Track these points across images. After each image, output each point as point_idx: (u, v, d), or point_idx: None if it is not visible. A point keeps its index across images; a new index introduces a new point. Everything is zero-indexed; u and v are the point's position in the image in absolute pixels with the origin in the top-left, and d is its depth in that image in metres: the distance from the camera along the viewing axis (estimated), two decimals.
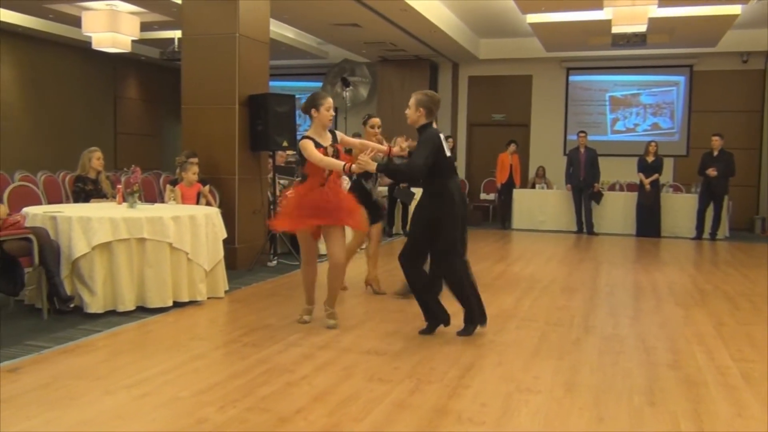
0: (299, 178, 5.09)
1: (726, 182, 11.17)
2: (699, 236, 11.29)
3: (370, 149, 4.63)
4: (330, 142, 4.76)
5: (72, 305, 4.98)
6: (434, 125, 4.78)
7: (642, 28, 9.33)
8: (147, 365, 3.89)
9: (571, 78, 14.41)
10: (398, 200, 10.85)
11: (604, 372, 3.95)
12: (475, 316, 4.70)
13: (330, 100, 4.80)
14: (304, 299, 5.07)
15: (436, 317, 4.75)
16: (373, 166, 4.47)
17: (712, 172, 11.02)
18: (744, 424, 3.18)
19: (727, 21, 10.57)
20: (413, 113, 4.65)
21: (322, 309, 4.96)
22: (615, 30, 9.60)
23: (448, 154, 4.76)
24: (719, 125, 12.89)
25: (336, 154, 4.74)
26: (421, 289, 4.73)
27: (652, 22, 9.45)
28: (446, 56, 13.99)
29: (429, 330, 4.73)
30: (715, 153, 11.22)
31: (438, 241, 4.59)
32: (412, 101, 4.68)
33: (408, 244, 4.75)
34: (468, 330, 4.68)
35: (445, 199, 4.60)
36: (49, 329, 4.62)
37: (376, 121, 6.05)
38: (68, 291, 4.99)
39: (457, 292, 4.68)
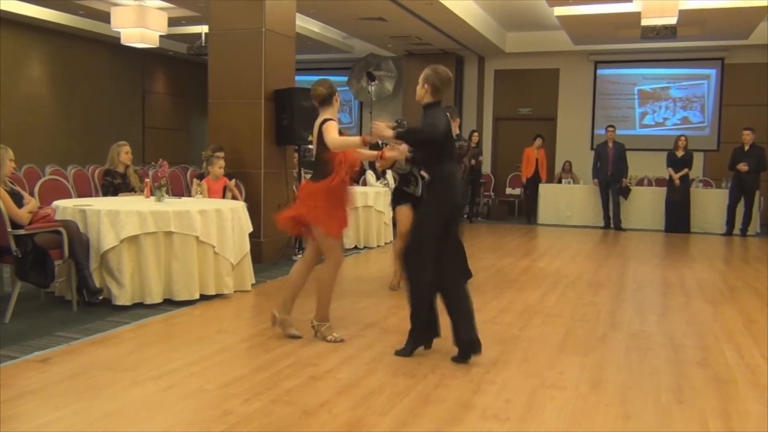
0: (311, 174, 4.56)
1: (757, 177, 10.96)
2: (729, 232, 11.09)
3: (381, 122, 4.18)
4: None
5: (101, 297, 5.06)
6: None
7: (672, 20, 9.19)
8: (173, 357, 3.93)
9: (599, 71, 14.23)
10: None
11: (631, 369, 3.91)
12: (418, 335, 4.11)
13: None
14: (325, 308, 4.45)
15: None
16: (389, 133, 4.02)
17: (743, 167, 10.82)
18: None
19: (760, 12, 10.35)
20: (420, 89, 4.15)
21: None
22: (644, 22, 9.46)
23: (455, 139, 4.46)
24: (751, 119, 12.61)
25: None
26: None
27: (683, 14, 9.29)
28: (472, 50, 13.91)
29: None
30: (747, 147, 11.00)
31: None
32: (420, 77, 4.20)
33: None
34: (405, 350, 4.08)
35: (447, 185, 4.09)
36: (78, 321, 4.70)
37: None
38: (97, 283, 5.06)
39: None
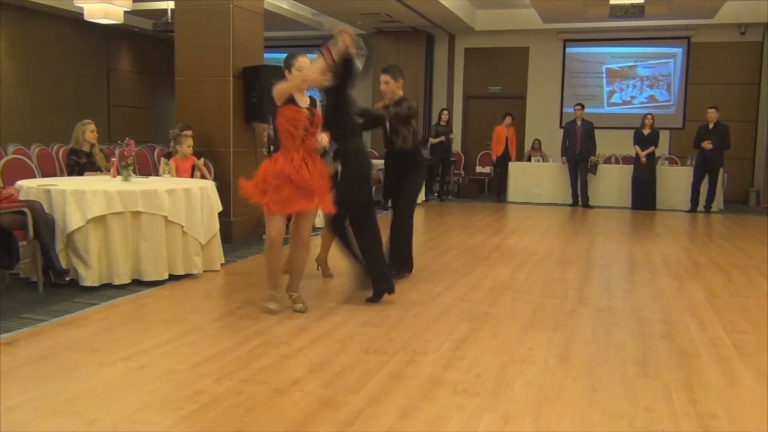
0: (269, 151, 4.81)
1: (721, 155, 11.17)
2: (694, 209, 11.32)
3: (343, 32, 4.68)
4: (308, 105, 4.40)
5: (67, 278, 4.99)
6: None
7: None
8: (143, 338, 3.90)
9: (567, 50, 14.31)
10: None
11: (598, 343, 3.98)
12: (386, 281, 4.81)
13: (302, 60, 4.32)
14: (267, 285, 4.64)
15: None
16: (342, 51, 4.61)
17: (707, 144, 11.01)
18: (735, 395, 3.22)
19: None
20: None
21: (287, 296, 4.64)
22: (613, 1, 9.51)
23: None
24: (716, 98, 12.83)
25: (312, 122, 4.36)
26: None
27: None
28: (442, 28, 13.86)
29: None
30: (711, 126, 11.20)
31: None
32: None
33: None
34: (373, 297, 4.78)
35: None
36: (44, 302, 4.63)
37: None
38: (63, 264, 4.98)
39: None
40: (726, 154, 11.35)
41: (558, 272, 6.09)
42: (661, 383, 3.34)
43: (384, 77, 5.50)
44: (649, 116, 11.62)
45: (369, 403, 3.02)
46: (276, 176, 4.29)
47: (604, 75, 14.15)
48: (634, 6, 10.67)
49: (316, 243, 5.68)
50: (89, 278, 4.97)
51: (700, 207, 11.29)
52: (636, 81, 14.02)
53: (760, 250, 7.57)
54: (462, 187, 13.95)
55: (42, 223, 4.90)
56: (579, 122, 11.93)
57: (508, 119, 12.69)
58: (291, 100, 4.34)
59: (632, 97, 14.06)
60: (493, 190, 13.46)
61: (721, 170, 11.43)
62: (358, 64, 15.29)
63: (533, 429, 2.79)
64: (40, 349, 3.67)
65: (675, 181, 11.69)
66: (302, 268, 4.63)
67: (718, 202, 11.47)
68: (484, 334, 4.13)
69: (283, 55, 4.45)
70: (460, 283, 5.54)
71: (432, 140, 12.45)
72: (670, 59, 13.78)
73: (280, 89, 4.33)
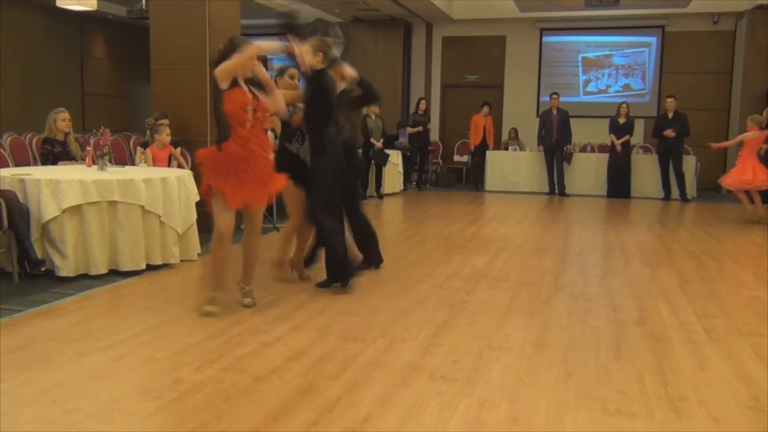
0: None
1: (682, 142, 11.39)
2: (668, 197, 11.49)
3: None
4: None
5: (43, 269, 4.95)
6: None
7: None
8: (121, 327, 3.89)
9: (544, 39, 14.38)
10: (372, 162, 10.86)
11: (573, 329, 4.06)
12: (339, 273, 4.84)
13: (249, 47, 4.11)
14: (209, 285, 4.40)
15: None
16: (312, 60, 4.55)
17: (670, 133, 11.21)
18: (705, 377, 3.31)
19: None
20: (311, 57, 4.62)
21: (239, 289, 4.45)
22: None
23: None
24: (690, 86, 13.03)
25: (257, 105, 4.11)
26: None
27: None
28: (420, 16, 13.85)
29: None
30: (670, 115, 11.38)
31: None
32: (310, 45, 4.65)
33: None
34: (325, 282, 4.85)
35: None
36: (20, 293, 4.59)
37: (295, 71, 5.01)
38: (39, 254, 4.94)
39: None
40: (698, 142, 11.53)
41: (534, 260, 6.16)
42: (633, 367, 3.42)
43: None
44: (624, 105, 11.74)
45: (348, 390, 3.05)
46: (227, 163, 4.04)
47: (579, 64, 14.26)
48: None
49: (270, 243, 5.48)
50: (65, 268, 4.94)
51: (675, 195, 11.46)
52: (611, 70, 14.14)
53: (731, 237, 7.72)
54: (440, 176, 14.01)
55: (16, 213, 4.85)
56: (555, 111, 12.02)
57: (486, 108, 12.75)
58: (236, 83, 4.07)
59: (607, 86, 14.19)
60: (471, 179, 13.53)
61: (694, 158, 11.61)
62: (336, 52, 15.25)
63: (509, 413, 2.85)
64: (16, 339, 3.65)
65: (649, 170, 11.84)
66: (256, 258, 4.42)
67: (692, 190, 11.64)
68: (462, 321, 4.18)
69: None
70: (438, 271, 5.58)
71: (410, 129, 12.48)
72: (644, 48, 13.91)
73: (225, 68, 4.00)
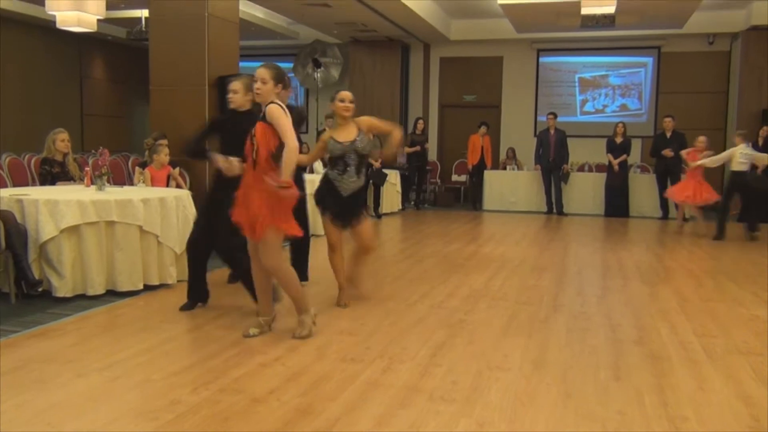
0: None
1: (680, 161, 11.42)
2: (665, 216, 11.50)
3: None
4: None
5: (40, 289, 4.93)
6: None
7: (611, 9, 9.41)
8: (118, 348, 3.87)
9: (541, 59, 14.48)
10: (371, 182, 10.87)
11: (572, 349, 4.04)
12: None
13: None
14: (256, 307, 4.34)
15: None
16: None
17: (668, 152, 11.24)
18: (705, 397, 3.29)
19: (694, 2, 10.70)
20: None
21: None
22: (584, 11, 9.66)
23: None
24: (686, 106, 13.11)
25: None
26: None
27: (621, 3, 9.52)
28: (418, 37, 13.96)
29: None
30: (669, 134, 11.44)
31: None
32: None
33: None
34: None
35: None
36: (17, 314, 4.57)
37: (347, 94, 4.86)
38: (36, 275, 4.93)
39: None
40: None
41: (533, 279, 6.15)
42: (633, 387, 3.40)
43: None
44: (620, 125, 11.80)
45: (346, 410, 3.03)
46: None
47: (576, 84, 14.35)
48: (604, 16, 10.85)
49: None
50: (62, 289, 4.92)
51: (672, 214, 11.46)
52: (608, 90, 14.23)
53: (729, 256, 7.72)
54: (438, 196, 14.03)
55: (14, 234, 4.84)
56: (552, 131, 12.08)
57: (483, 128, 12.81)
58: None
59: (604, 106, 14.27)
60: (469, 198, 13.55)
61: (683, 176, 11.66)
62: (334, 73, 15.26)
63: None
64: (13, 360, 3.62)
65: (647, 189, 11.87)
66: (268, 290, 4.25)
67: (690, 209, 11.62)
68: (461, 341, 4.17)
69: (259, 64, 4.35)
70: (437, 290, 5.57)
71: (408, 149, 12.51)
72: (641, 68, 14.01)
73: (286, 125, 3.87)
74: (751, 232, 9.15)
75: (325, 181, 4.89)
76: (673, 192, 10.07)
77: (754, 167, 9.20)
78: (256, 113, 4.18)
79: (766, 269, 6.81)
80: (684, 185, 9.75)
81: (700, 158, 9.50)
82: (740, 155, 8.95)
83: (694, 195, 9.47)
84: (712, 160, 9.34)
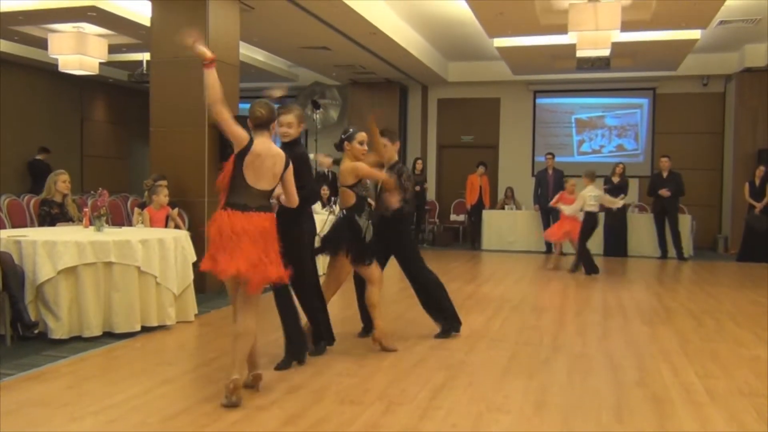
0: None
1: (677, 201, 11.48)
2: (664, 255, 11.49)
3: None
4: None
5: (36, 331, 4.89)
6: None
7: (605, 52, 9.54)
8: (114, 391, 3.82)
9: (538, 100, 14.64)
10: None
11: (573, 390, 3.99)
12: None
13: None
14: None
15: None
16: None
17: (665, 192, 11.30)
18: None
19: (687, 45, 10.87)
20: (297, 127, 4.40)
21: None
22: (579, 54, 9.79)
23: None
24: (682, 146, 13.21)
25: None
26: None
27: (615, 46, 9.67)
28: (415, 79, 14.14)
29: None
30: (665, 174, 11.51)
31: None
32: (291, 118, 4.37)
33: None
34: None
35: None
36: (12, 356, 4.52)
37: (364, 136, 4.84)
38: (32, 317, 4.90)
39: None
40: (693, 201, 11.65)
41: (533, 319, 6.12)
42: (635, 430, 3.35)
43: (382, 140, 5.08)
44: (620, 165, 11.85)
45: None
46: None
47: (573, 125, 14.48)
48: (600, 59, 11.02)
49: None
50: (58, 331, 4.88)
51: (672, 254, 11.46)
52: (604, 131, 14.36)
53: (730, 296, 7.69)
54: (437, 235, 14.03)
55: (11, 275, 4.82)
56: (550, 171, 12.15)
57: (482, 168, 12.88)
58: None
59: (601, 146, 14.37)
60: (467, 238, 13.55)
61: (689, 218, 11.68)
62: (333, 114, 15.41)
63: None
64: (6, 404, 3.57)
65: (646, 229, 11.88)
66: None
67: (688, 249, 11.65)
68: (460, 382, 4.12)
69: None
70: (436, 331, 5.53)
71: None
72: (636, 109, 14.16)
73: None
74: (587, 273, 9.24)
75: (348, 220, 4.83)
76: (549, 234, 10.48)
77: (752, 207, 9.23)
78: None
79: (765, 309, 6.78)
80: (559, 225, 9.97)
81: (569, 200, 9.85)
82: (590, 198, 9.27)
83: (572, 232, 9.60)
84: (571, 209, 9.57)
